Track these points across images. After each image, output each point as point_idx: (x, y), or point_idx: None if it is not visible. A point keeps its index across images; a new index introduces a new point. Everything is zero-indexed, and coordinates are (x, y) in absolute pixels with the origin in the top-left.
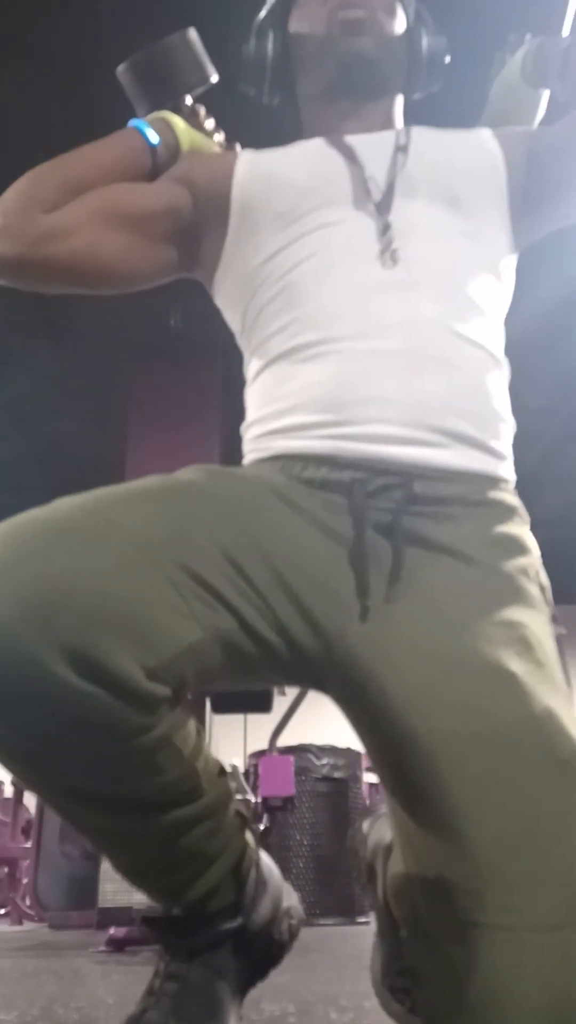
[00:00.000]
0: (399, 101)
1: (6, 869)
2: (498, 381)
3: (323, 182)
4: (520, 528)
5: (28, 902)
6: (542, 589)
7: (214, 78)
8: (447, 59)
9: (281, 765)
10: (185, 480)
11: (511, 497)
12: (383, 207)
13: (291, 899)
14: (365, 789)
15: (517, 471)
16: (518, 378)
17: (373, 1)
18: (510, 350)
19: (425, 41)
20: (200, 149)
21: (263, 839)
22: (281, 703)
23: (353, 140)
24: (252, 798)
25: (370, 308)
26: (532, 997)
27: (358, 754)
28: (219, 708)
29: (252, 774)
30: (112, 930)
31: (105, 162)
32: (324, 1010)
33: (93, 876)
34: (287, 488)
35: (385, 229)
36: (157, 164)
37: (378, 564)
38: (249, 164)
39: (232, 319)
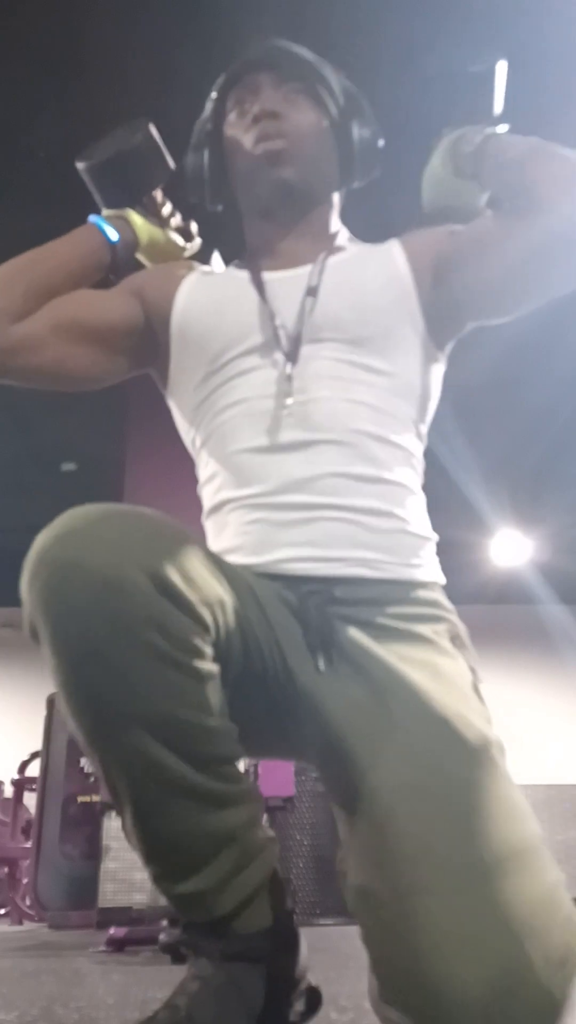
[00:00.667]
0: (335, 202)
1: (6, 869)
2: (408, 506)
3: (245, 328)
4: (435, 610)
5: (28, 902)
6: (461, 645)
7: (171, 167)
8: (380, 145)
9: (281, 765)
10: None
11: (430, 594)
12: (291, 356)
13: (305, 955)
14: None
15: (518, 471)
16: (518, 379)
17: (291, 124)
18: (511, 351)
19: (356, 133)
20: (157, 243)
21: None
22: None
23: (273, 279)
24: None
25: (278, 468)
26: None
27: None
28: None
29: (252, 774)
30: (112, 930)
31: (70, 264)
32: (324, 1010)
33: (93, 876)
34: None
35: (288, 382)
36: (116, 260)
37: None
38: (187, 296)
39: (183, 436)
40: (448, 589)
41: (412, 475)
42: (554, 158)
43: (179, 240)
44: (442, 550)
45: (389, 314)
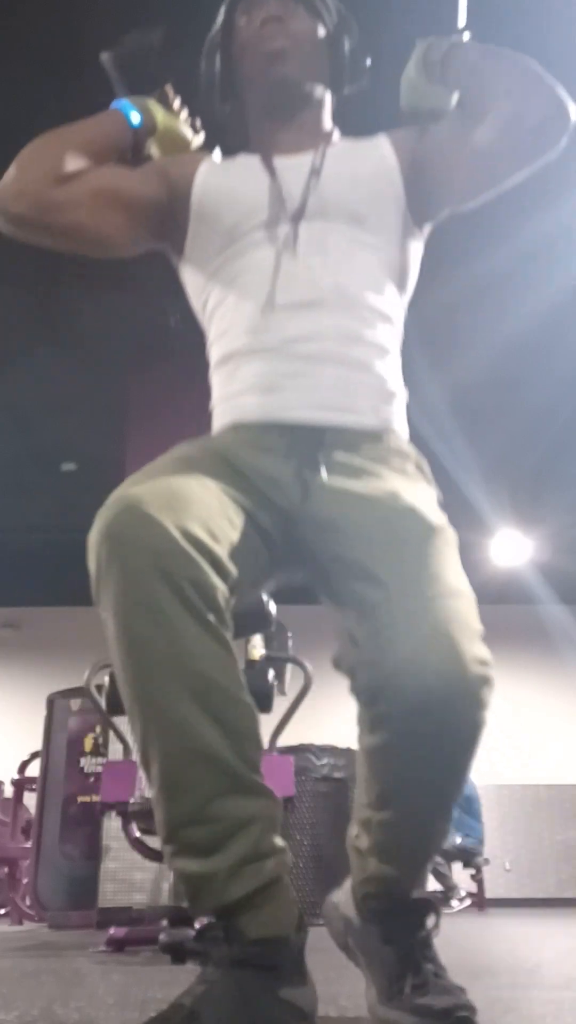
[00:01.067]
0: (327, 104)
1: (6, 869)
2: (390, 366)
3: (257, 203)
4: (402, 450)
5: (28, 902)
6: (426, 475)
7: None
8: (368, 61)
9: (281, 765)
10: (188, 454)
11: (399, 441)
12: (295, 222)
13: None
14: None
15: (518, 471)
16: (518, 379)
17: (292, 28)
18: (511, 351)
19: (346, 45)
20: (170, 131)
21: None
22: (281, 703)
23: (279, 163)
24: None
25: (287, 323)
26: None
27: None
28: None
29: None
30: (112, 930)
31: (97, 141)
32: (324, 1010)
33: (93, 876)
34: (239, 446)
35: (295, 242)
36: (137, 143)
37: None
38: (206, 175)
39: (195, 304)
40: None
41: (394, 340)
42: (503, 58)
43: (188, 132)
44: None
45: (381, 195)
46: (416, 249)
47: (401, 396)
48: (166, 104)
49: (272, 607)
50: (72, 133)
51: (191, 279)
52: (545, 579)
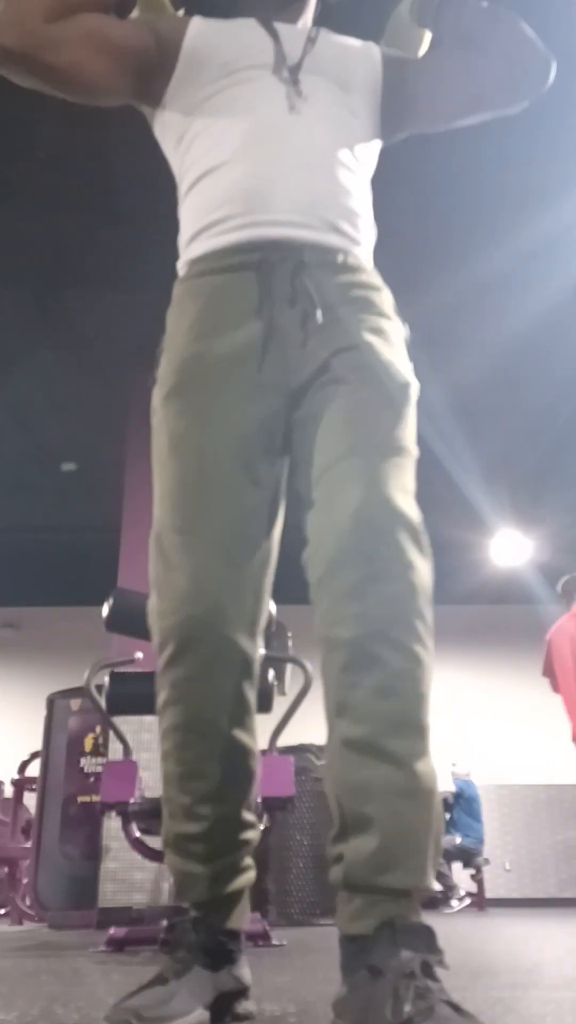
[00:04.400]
0: (312, 3)
1: (6, 869)
2: (364, 195)
3: (255, 48)
4: (377, 284)
5: (28, 902)
6: (395, 311)
7: None
8: None
9: (281, 765)
10: (176, 437)
11: (360, 261)
12: (293, 73)
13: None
14: None
15: (518, 471)
16: (518, 379)
17: None
18: (511, 351)
19: None
20: None
21: (263, 839)
22: (281, 703)
23: (278, 26)
24: None
25: (279, 134)
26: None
27: None
28: None
29: None
30: (112, 930)
31: None
32: (324, 1010)
33: (93, 876)
34: (224, 327)
35: (290, 88)
36: (122, 1)
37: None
38: (200, 25)
39: (167, 144)
40: (448, 589)
41: (367, 183)
42: (509, 20)
43: (167, 3)
44: (442, 550)
45: (367, 79)
46: (376, 144)
47: (370, 225)
48: None
49: (272, 608)
50: None
51: (170, 117)
52: (545, 579)
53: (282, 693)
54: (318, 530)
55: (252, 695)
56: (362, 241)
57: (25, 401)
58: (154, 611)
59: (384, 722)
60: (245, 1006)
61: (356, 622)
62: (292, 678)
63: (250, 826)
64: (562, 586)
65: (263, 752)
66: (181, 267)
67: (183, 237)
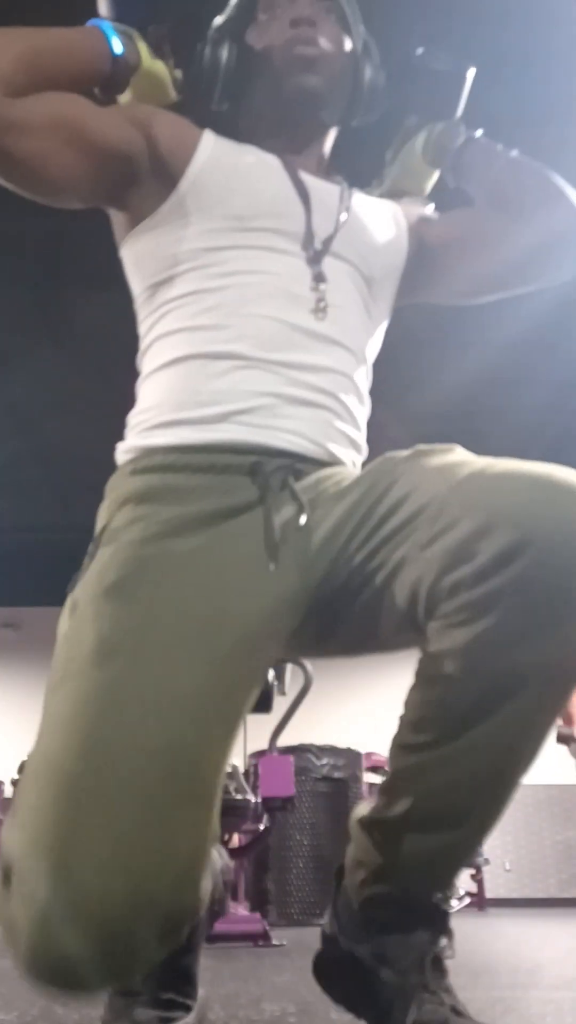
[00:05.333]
0: (333, 132)
1: None
2: (363, 418)
3: (281, 207)
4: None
5: None
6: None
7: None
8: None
9: (281, 765)
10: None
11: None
12: (319, 257)
13: (221, 859)
14: (365, 789)
15: None
16: (520, 377)
17: (327, 38)
18: (512, 348)
19: (368, 74)
20: (154, 76)
21: (263, 839)
22: (281, 703)
23: (307, 179)
24: (252, 798)
25: (301, 346)
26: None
27: (358, 754)
28: None
29: (252, 774)
30: None
31: (69, 56)
32: (324, 1010)
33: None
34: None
35: (318, 278)
36: (114, 75)
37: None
38: (213, 147)
39: (137, 274)
40: None
41: (367, 403)
42: (524, 167)
43: (171, 86)
44: None
45: (391, 267)
46: (383, 329)
47: (363, 451)
48: (155, 47)
49: (277, 686)
50: (40, 38)
51: (151, 247)
52: None
53: (282, 693)
54: None
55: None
56: (358, 455)
57: (25, 401)
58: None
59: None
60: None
61: None
62: (292, 678)
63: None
64: None
65: (263, 752)
66: (125, 454)
67: (140, 418)
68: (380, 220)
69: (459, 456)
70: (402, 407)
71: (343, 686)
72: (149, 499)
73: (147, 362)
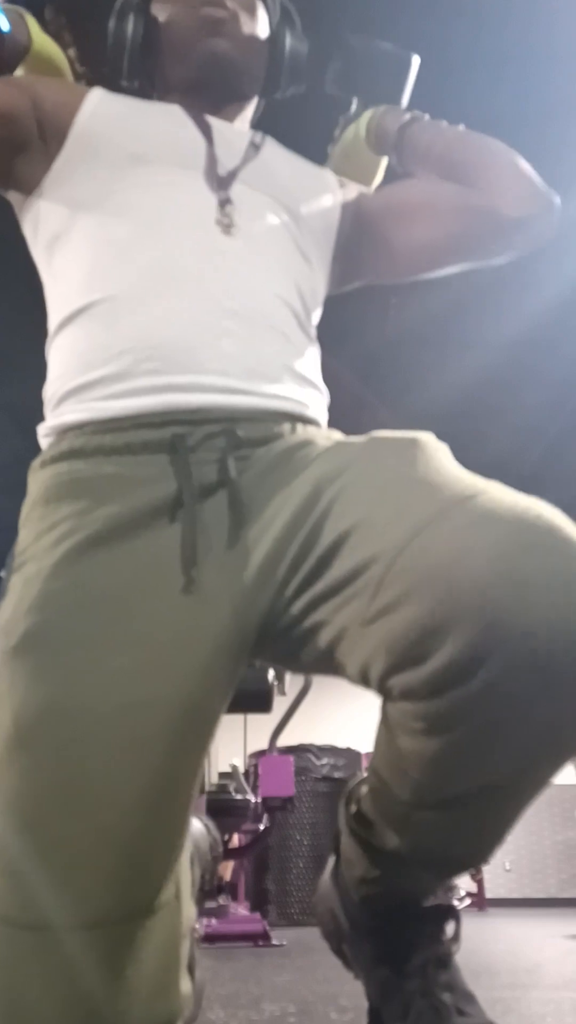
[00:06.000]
0: (253, 103)
1: None
2: (315, 357)
3: (177, 141)
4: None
5: None
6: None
7: None
8: (305, 58)
9: (281, 765)
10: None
11: (311, 435)
12: (224, 184)
13: (207, 839)
14: None
15: (519, 468)
16: (520, 376)
17: (235, 4)
18: (512, 348)
19: (288, 43)
20: (46, 56)
21: (263, 839)
22: (281, 703)
23: (212, 121)
24: (252, 798)
25: (208, 263)
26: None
27: (358, 754)
28: None
29: (252, 774)
30: None
31: None
32: (324, 1010)
33: None
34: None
35: (224, 203)
36: (2, 54)
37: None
38: (103, 99)
39: (38, 249)
40: None
41: (318, 366)
42: (491, 144)
43: (66, 66)
44: None
45: (322, 213)
46: (320, 303)
47: (321, 388)
48: (50, 28)
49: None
50: None
51: (47, 211)
52: None
53: (282, 693)
54: None
55: None
56: (315, 413)
57: (25, 401)
58: None
59: None
60: None
61: None
62: (292, 678)
63: None
64: None
65: (263, 752)
66: (44, 439)
67: (50, 391)
68: (302, 165)
69: (418, 467)
70: (402, 407)
71: (343, 686)
72: (57, 498)
73: (52, 323)
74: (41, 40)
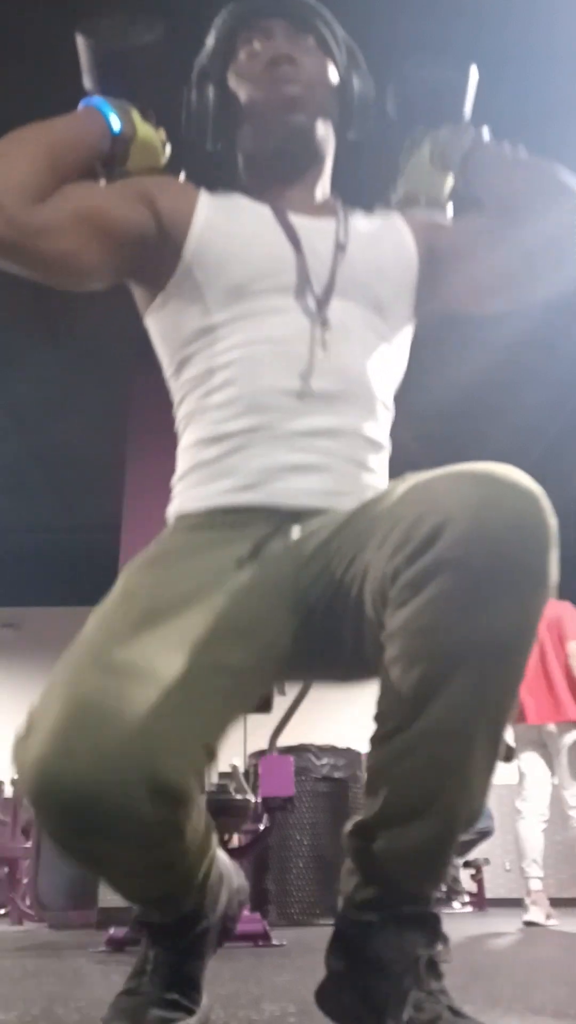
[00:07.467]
0: (331, 158)
1: (6, 869)
2: (382, 462)
3: (274, 265)
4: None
5: (28, 902)
6: None
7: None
8: (374, 103)
9: (281, 765)
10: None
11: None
12: (322, 304)
13: (239, 879)
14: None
15: (519, 467)
16: (520, 375)
17: (306, 72)
18: (514, 347)
19: (356, 87)
20: (148, 145)
21: (263, 839)
22: (281, 703)
23: (298, 223)
24: (252, 798)
25: (303, 412)
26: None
27: (358, 754)
28: None
29: (252, 774)
30: (112, 930)
31: (75, 145)
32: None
33: (93, 876)
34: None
35: (323, 324)
36: (115, 150)
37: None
38: (208, 211)
39: (161, 352)
40: None
41: (387, 435)
42: (544, 171)
43: (162, 149)
44: None
45: (402, 287)
46: (408, 341)
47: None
48: (144, 113)
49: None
50: (46, 134)
51: (167, 331)
52: None
53: (282, 693)
54: None
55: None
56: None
57: (25, 401)
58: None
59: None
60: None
61: None
62: None
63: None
64: None
65: (263, 752)
66: (175, 513)
67: (181, 487)
68: (383, 241)
69: (416, 476)
70: (402, 407)
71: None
72: (187, 548)
73: (181, 437)
74: (143, 131)
